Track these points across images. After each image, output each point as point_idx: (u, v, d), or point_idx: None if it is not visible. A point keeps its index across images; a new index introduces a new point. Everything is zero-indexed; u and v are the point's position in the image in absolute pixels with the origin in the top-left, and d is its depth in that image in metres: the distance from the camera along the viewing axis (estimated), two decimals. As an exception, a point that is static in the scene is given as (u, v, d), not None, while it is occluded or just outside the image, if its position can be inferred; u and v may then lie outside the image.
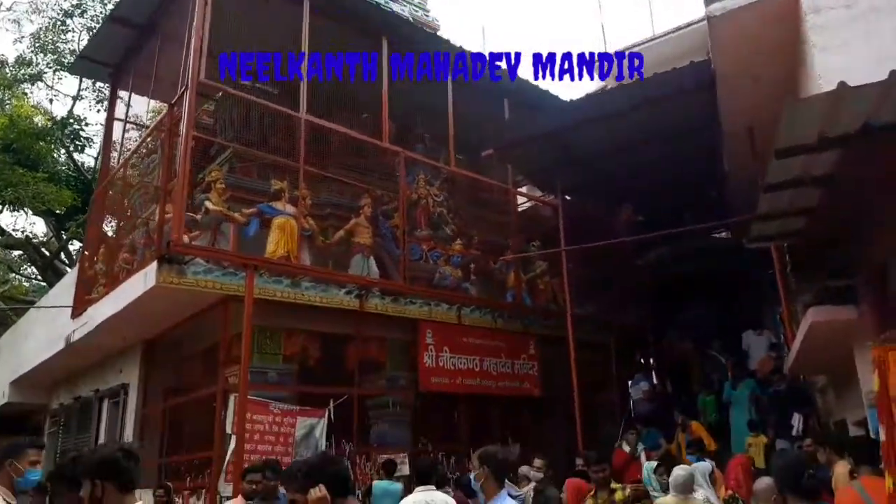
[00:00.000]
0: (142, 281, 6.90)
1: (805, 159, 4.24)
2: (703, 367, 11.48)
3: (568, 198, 10.67)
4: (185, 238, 6.98)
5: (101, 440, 10.01)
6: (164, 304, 7.30)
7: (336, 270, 8.16)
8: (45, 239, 21.05)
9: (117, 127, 10.05)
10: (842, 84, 3.57)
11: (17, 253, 21.29)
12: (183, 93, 7.12)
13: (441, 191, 10.21)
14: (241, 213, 7.78)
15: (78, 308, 9.03)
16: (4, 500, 2.91)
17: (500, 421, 9.60)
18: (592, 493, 5.09)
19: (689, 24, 13.87)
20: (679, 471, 4.87)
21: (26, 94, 17.07)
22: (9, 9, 18.23)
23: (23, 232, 19.31)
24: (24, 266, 22.02)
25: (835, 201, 4.88)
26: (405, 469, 7.55)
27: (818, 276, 5.94)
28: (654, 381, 12.06)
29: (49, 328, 10.43)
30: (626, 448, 8.41)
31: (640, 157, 9.50)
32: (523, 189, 12.68)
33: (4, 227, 18.75)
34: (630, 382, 11.11)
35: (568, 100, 8.44)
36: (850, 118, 3.83)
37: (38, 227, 23.31)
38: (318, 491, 2.54)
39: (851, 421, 6.97)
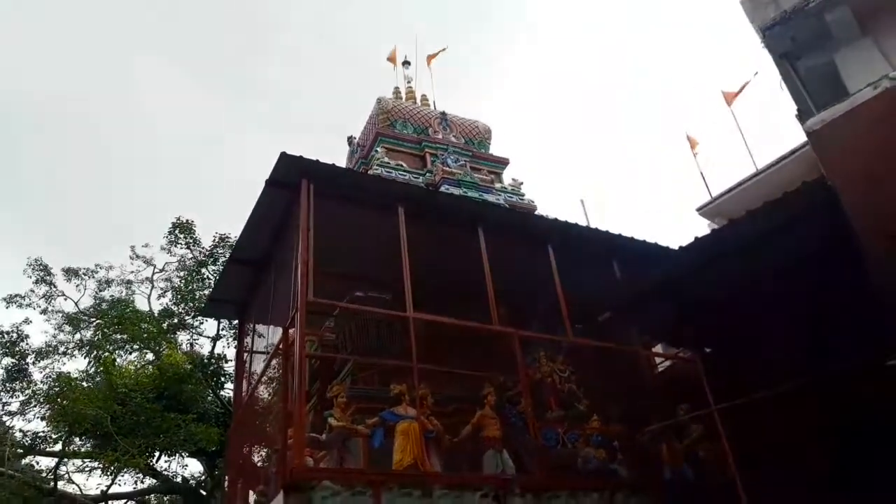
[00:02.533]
0: (271, 514, 6.68)
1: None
2: None
3: (707, 351, 9.74)
4: (310, 460, 6.82)
5: None
6: (296, 536, 6.95)
7: (468, 472, 7.59)
8: (200, 479, 21.80)
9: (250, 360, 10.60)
10: None
11: (177, 496, 22.09)
12: (294, 315, 7.39)
13: (566, 365, 9.67)
14: (365, 425, 7.61)
15: (222, 552, 8.87)
16: None
17: None
18: None
19: (792, 153, 13.27)
20: None
21: (170, 341, 18.80)
22: (161, 269, 20.83)
23: (174, 476, 20.10)
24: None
25: None
26: None
27: None
28: None
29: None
30: None
31: (778, 295, 8.63)
32: (657, 349, 11.85)
33: (160, 472, 19.63)
34: None
35: (678, 246, 7.94)
36: None
37: (193, 466, 24.41)
38: None
39: None
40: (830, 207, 7.01)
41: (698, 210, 14.98)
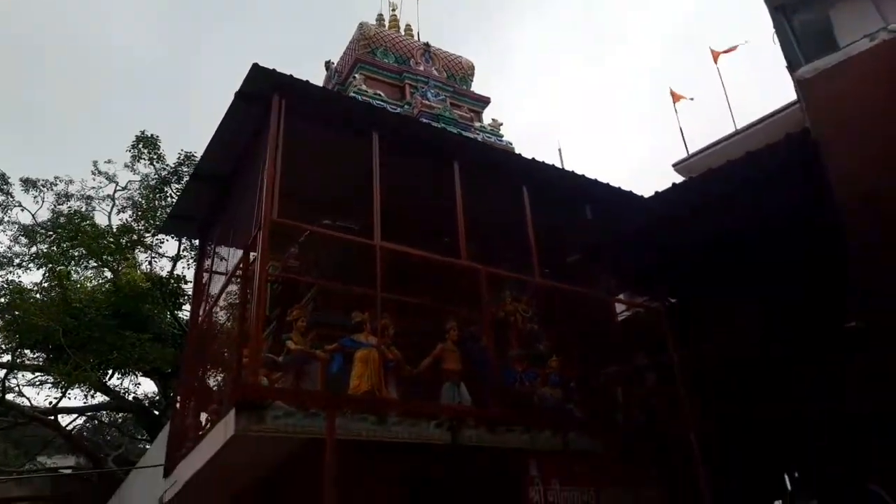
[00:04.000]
0: (222, 432, 6.55)
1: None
2: None
3: (672, 301, 9.81)
4: (265, 380, 6.69)
5: None
6: (246, 454, 6.89)
7: (424, 401, 7.56)
8: (154, 399, 21.70)
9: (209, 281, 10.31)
10: None
11: (129, 415, 22.00)
12: (257, 233, 7.12)
13: (530, 306, 9.63)
14: (324, 350, 7.49)
15: (169, 466, 8.77)
16: None
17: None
18: None
19: (772, 115, 13.14)
20: None
21: (128, 258, 18.33)
22: (124, 188, 20.12)
23: (126, 393, 19.95)
24: (136, 429, 22.63)
25: None
26: None
27: None
28: None
29: (145, 490, 10.21)
30: None
31: (749, 248, 8.63)
32: (622, 297, 11.89)
33: (112, 389, 19.44)
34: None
35: (654, 192, 7.82)
36: None
37: (148, 387, 24.26)
38: None
39: None
40: (807, 165, 6.94)
41: (674, 166, 14.86)
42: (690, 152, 14.73)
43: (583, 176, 10.52)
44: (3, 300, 17.78)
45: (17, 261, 19.18)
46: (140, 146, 18.79)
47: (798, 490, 9.05)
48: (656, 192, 7.78)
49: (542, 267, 9.66)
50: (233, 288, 9.09)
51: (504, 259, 10.13)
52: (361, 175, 8.39)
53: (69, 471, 20.71)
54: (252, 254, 7.50)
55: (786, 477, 10.28)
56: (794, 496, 9.10)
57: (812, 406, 9.29)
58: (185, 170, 18.21)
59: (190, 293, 18.82)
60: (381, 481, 6.97)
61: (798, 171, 7.19)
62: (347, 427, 6.68)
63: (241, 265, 7.58)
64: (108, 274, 18.96)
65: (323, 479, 6.15)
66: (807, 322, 7.74)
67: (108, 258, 18.20)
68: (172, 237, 18.46)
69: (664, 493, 8.64)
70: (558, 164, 13.41)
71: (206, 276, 10.27)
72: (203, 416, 8.48)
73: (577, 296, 10.29)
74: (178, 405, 9.85)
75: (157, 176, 18.80)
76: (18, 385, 19.40)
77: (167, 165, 18.93)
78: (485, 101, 14.78)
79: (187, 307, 19.27)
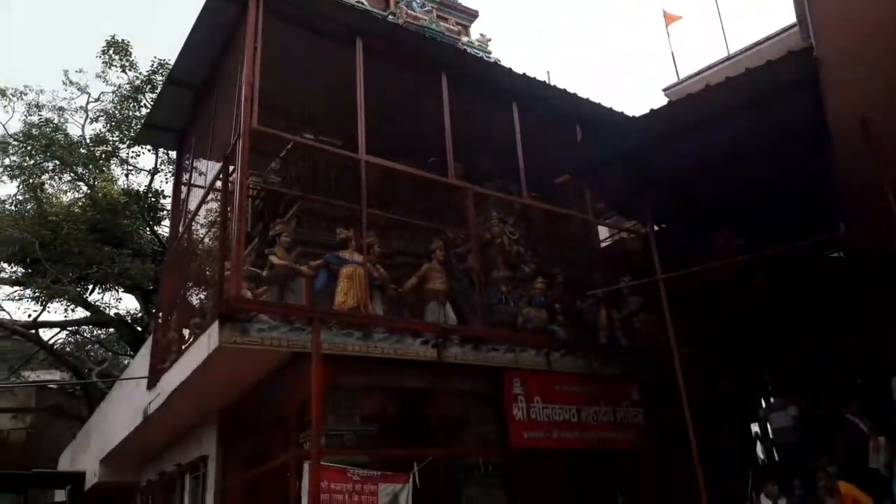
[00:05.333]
0: (205, 343, 6.50)
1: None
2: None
3: (657, 227, 9.71)
4: (248, 294, 6.59)
5: (185, 517, 9.64)
6: (231, 367, 6.87)
7: (410, 319, 7.55)
8: (136, 315, 21.66)
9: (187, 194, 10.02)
10: None
11: (111, 331, 22.00)
12: (236, 141, 6.83)
13: (516, 228, 9.54)
14: (308, 266, 7.37)
15: (152, 379, 8.78)
16: None
17: (606, 477, 8.51)
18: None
19: (767, 38, 12.79)
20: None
21: (103, 171, 17.79)
22: (96, 99, 19.29)
23: (108, 308, 19.86)
24: (119, 344, 22.70)
25: None
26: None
27: None
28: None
29: (129, 403, 10.27)
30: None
31: (736, 173, 8.51)
32: (608, 222, 11.84)
33: (95, 305, 19.33)
34: (764, 410, 9.57)
35: (647, 110, 7.58)
36: None
37: (130, 304, 24.16)
38: None
39: None
40: (805, 86, 6.73)
41: (664, 90, 14.54)
42: (681, 77, 14.43)
43: (574, 94, 10.22)
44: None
45: (-11, 174, 18.55)
46: (111, 52, 17.83)
47: (773, 406, 9.32)
48: (651, 110, 7.54)
49: (530, 188, 9.51)
50: (213, 204, 8.86)
51: (491, 180, 9.96)
52: (345, 87, 8.02)
53: (53, 385, 20.89)
54: (231, 167, 7.25)
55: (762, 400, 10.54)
56: (769, 409, 9.36)
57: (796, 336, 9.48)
58: (160, 79, 17.30)
59: (169, 208, 18.50)
60: (368, 392, 7.01)
61: (795, 92, 6.99)
62: (333, 341, 6.66)
63: (220, 175, 7.33)
64: (85, 189, 18.47)
65: (311, 392, 6.16)
66: (790, 249, 7.73)
67: (83, 170, 17.62)
68: (149, 150, 17.90)
69: (645, 412, 8.86)
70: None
71: (184, 189, 9.98)
72: (185, 332, 8.43)
73: (563, 218, 10.22)
74: (159, 319, 9.77)
75: (129, 85, 17.97)
76: (-1, 300, 19.23)
77: (140, 74, 18.06)
78: (473, 15, 14.14)
79: (167, 223, 18.97)
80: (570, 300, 9.42)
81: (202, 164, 9.33)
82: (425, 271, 8.15)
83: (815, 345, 9.29)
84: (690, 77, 13.90)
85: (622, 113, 10.50)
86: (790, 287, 9.42)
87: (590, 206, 10.15)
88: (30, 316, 18.51)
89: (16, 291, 18.70)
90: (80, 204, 17.81)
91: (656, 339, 9.42)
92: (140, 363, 11.07)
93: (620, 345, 9.23)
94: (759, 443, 9.69)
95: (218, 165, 10.30)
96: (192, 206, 9.99)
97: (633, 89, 55.72)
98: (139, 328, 20.21)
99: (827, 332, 9.25)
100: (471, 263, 8.53)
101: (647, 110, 7.66)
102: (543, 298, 8.81)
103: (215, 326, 6.23)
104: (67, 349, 21.17)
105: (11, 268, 18.72)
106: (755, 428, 9.83)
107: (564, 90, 10.12)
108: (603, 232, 11.98)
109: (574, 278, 9.76)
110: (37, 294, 17.19)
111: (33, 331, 18.78)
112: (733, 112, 7.36)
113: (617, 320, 9.49)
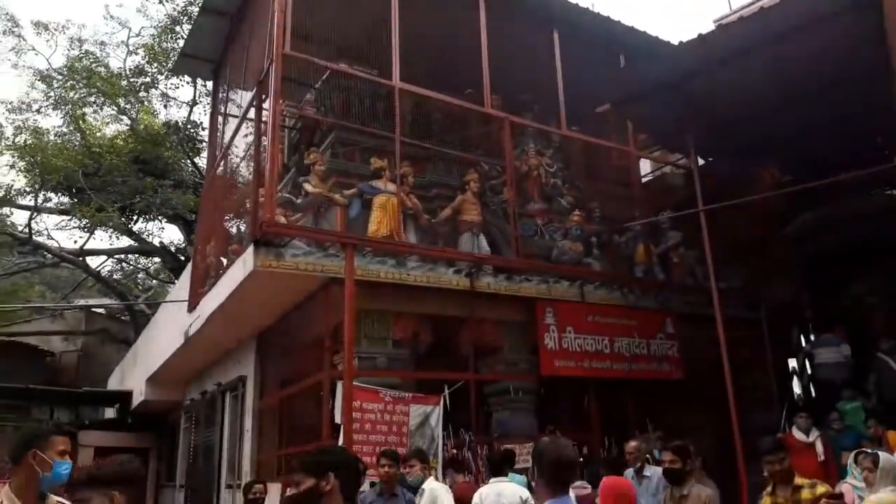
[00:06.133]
0: (241, 267, 6.63)
1: None
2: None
3: (701, 161, 9.39)
4: (282, 219, 6.65)
5: (226, 434, 10.09)
6: (266, 291, 7.02)
7: (444, 248, 7.56)
8: (180, 245, 22.24)
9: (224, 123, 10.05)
10: None
11: (157, 260, 22.69)
12: (269, 66, 6.77)
13: (554, 160, 9.35)
14: (342, 195, 7.39)
15: (193, 302, 9.04)
16: None
17: (636, 406, 8.56)
18: (770, 489, 4.03)
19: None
20: (891, 457, 3.77)
21: (144, 103, 17.98)
22: (137, 34, 19.31)
23: (151, 236, 20.39)
24: (164, 273, 23.44)
25: None
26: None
27: None
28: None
29: (172, 325, 10.65)
30: (799, 435, 7.15)
31: (786, 106, 8.11)
32: (651, 155, 11.52)
33: (139, 235, 19.88)
34: (809, 345, 9.47)
35: (696, 36, 7.21)
36: None
37: (173, 235, 24.76)
38: None
39: None
40: (867, 8, 6.31)
41: (715, 22, 13.90)
42: (733, 8, 13.72)
43: (619, 22, 9.79)
44: (23, 142, 17.75)
45: (35, 106, 18.91)
46: (150, -17, 17.78)
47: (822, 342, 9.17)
48: (699, 35, 7.16)
49: (570, 122, 9.26)
50: (250, 138, 8.87)
51: (529, 112, 9.72)
52: (380, 21, 7.83)
53: (101, 310, 21.78)
54: (263, 94, 7.21)
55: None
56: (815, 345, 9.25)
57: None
58: (195, 10, 17.27)
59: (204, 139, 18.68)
60: (400, 318, 7.11)
61: (855, 14, 6.57)
62: (367, 268, 6.72)
63: (253, 102, 7.30)
64: (126, 121, 18.72)
65: (344, 316, 6.26)
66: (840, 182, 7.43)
67: (124, 103, 17.82)
68: (188, 82, 17.95)
69: (679, 345, 8.80)
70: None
71: (220, 120, 10.01)
72: (223, 259, 8.61)
73: (605, 151, 9.97)
74: (198, 245, 9.99)
75: (167, 17, 17.92)
76: (47, 229, 19.91)
77: (178, 4, 18.00)
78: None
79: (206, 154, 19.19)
80: (608, 234, 9.29)
81: (238, 95, 9.32)
82: (459, 203, 8.08)
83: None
84: (745, 7, 13.21)
85: (669, 42, 10.04)
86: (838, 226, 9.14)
87: (631, 143, 9.87)
88: (76, 242, 19.16)
89: (63, 221, 19.33)
90: (122, 136, 18.08)
91: (694, 274, 9.31)
92: (182, 287, 11.42)
93: (657, 278, 9.12)
94: (794, 377, 9.61)
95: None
96: (228, 136, 10.07)
97: (683, 22, 53.22)
98: (182, 258, 20.79)
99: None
100: (506, 196, 8.43)
101: (696, 35, 7.29)
102: (580, 231, 8.71)
103: (250, 251, 6.34)
104: (115, 276, 21.95)
105: (58, 197, 19.31)
106: (792, 363, 9.72)
107: (608, 17, 9.71)
108: (644, 167, 11.68)
109: (612, 212, 9.59)
110: (83, 222, 17.71)
111: (80, 258, 19.46)
112: (785, 38, 6.95)
113: (654, 254, 9.36)
